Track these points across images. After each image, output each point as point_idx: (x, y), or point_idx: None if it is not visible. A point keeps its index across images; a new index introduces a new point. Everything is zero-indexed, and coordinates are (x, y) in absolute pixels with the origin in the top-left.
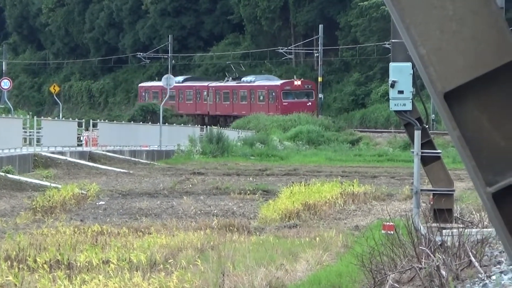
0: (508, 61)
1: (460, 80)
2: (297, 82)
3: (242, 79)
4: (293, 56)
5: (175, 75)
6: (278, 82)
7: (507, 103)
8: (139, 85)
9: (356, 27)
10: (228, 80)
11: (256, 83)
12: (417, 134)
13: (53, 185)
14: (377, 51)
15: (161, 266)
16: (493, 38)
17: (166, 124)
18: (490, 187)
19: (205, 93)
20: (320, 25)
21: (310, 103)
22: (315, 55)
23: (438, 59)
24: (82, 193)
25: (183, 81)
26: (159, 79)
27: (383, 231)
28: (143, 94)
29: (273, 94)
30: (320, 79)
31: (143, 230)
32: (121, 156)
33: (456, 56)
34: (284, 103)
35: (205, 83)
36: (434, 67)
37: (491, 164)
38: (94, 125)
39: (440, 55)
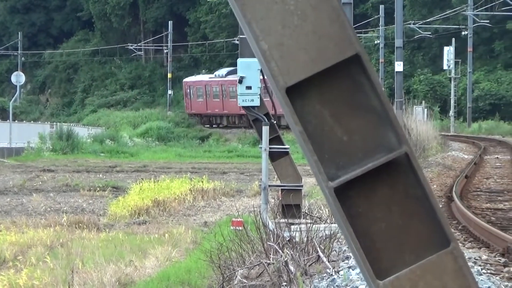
0: (349, 56)
1: (302, 75)
2: None
3: None
4: (142, 52)
5: (24, 72)
6: None
7: (349, 97)
8: (184, 80)
9: (206, 23)
10: None
11: None
12: (265, 129)
13: None
14: (226, 47)
15: (10, 263)
16: (334, 32)
17: (16, 121)
18: (332, 182)
19: None
20: (169, 22)
21: None
22: (165, 51)
23: (280, 54)
24: None
25: (227, 74)
26: (208, 72)
27: (232, 227)
28: (188, 90)
29: None
30: (169, 75)
31: None
32: None
33: (298, 51)
34: None
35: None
36: (276, 62)
37: (333, 158)
38: None
39: (281, 50)
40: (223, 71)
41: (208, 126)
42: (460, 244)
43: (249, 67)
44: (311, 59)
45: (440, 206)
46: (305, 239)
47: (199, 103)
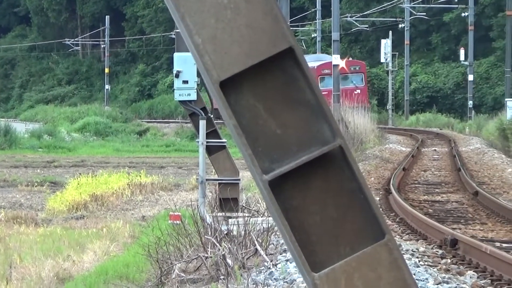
0: (282, 49)
1: (236, 68)
2: (340, 64)
3: None
4: (80, 47)
5: None
6: (315, 63)
7: (283, 91)
8: None
9: (143, 18)
10: None
11: None
12: (202, 123)
13: None
14: (163, 42)
15: None
16: (268, 26)
17: None
18: (266, 175)
19: None
20: (106, 16)
21: (359, 91)
22: (102, 46)
23: (214, 48)
24: None
25: None
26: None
27: (169, 221)
28: None
29: None
30: (107, 70)
31: None
32: None
33: (231, 45)
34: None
35: None
36: (209, 56)
37: (267, 152)
38: None
39: (215, 43)
40: None
41: None
42: (397, 236)
43: (185, 62)
44: (244, 52)
45: (378, 198)
46: (243, 232)
47: None
